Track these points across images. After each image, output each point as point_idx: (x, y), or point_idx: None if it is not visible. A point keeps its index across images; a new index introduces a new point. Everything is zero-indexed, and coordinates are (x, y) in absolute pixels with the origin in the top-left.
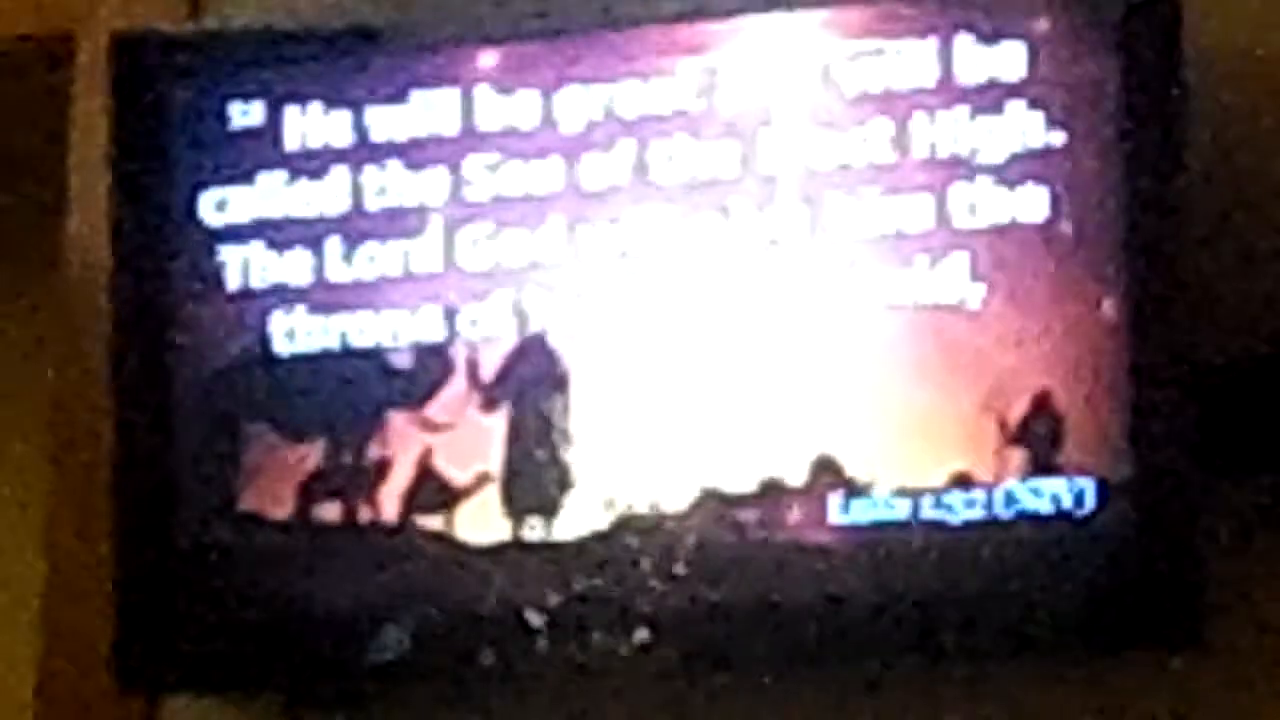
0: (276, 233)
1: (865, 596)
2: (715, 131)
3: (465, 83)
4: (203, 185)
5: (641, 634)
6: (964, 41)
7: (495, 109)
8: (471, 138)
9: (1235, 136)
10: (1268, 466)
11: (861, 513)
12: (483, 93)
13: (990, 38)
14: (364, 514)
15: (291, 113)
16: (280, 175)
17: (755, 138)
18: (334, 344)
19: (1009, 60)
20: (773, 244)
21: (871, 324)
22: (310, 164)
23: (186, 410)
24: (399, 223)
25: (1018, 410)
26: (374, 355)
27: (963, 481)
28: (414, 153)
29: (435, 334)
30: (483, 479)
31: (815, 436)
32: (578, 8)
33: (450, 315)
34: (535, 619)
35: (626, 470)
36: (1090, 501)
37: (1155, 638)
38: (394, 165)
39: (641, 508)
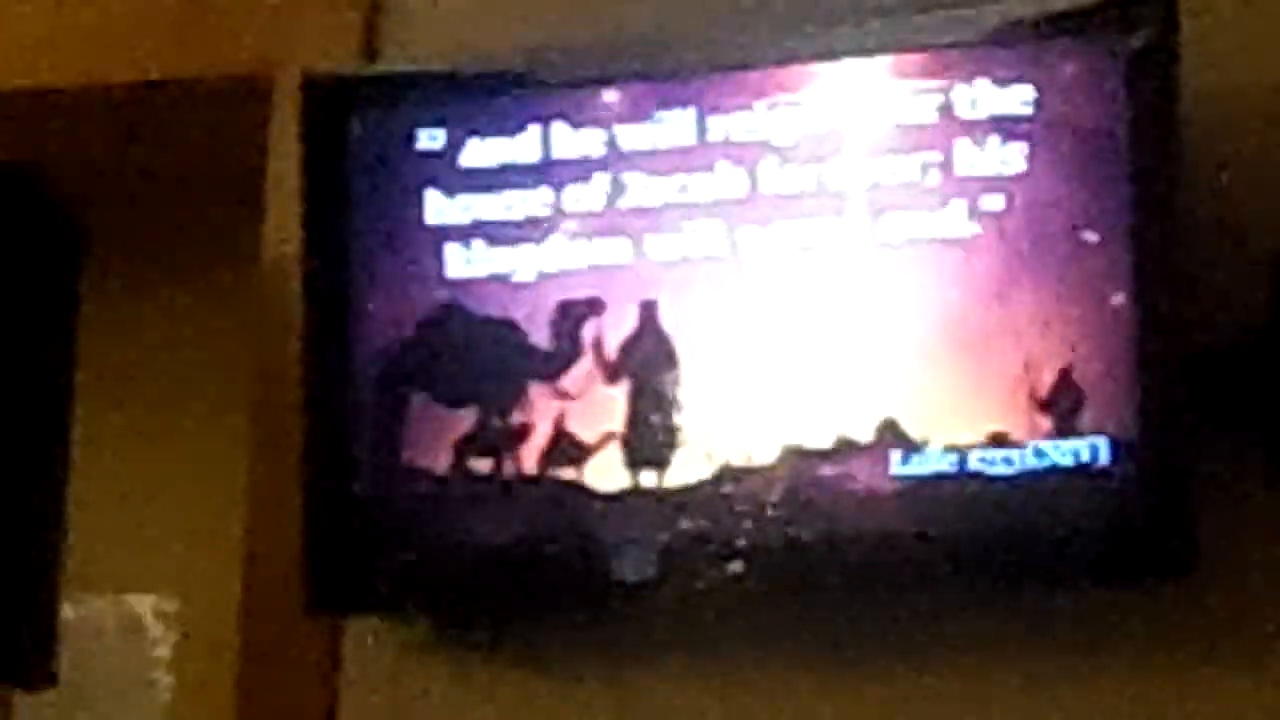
0: (442, 236)
1: (919, 536)
2: (799, 155)
3: (595, 115)
4: (380, 200)
5: (736, 565)
6: (984, 85)
7: (620, 137)
8: (600, 160)
9: (1224, 160)
10: (1248, 428)
11: (917, 466)
12: (609, 123)
13: (1007, 81)
14: (509, 468)
15: (459, 137)
16: (447, 189)
17: (830, 159)
18: (486, 330)
19: (1023, 100)
20: (844, 248)
21: (927, 311)
22: (472, 180)
23: (363, 383)
24: (538, 230)
25: (1046, 382)
26: (519, 336)
27: (1000, 440)
28: (555, 171)
29: (569, 320)
30: (608, 437)
31: (880, 402)
32: (691, 53)
33: (582, 305)
34: (651, 553)
35: (725, 430)
36: (1105, 457)
37: (1157, 570)
38: (540, 184)
39: (737, 461)
